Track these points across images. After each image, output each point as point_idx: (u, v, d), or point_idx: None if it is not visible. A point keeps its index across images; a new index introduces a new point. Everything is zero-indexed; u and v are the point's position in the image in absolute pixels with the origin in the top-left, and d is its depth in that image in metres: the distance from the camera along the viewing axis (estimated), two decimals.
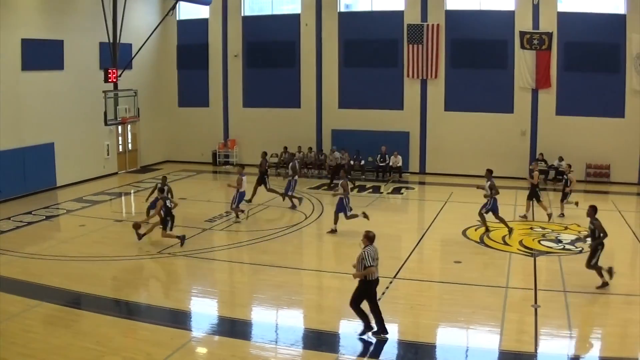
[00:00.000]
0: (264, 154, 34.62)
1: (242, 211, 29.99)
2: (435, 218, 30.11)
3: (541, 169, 37.46)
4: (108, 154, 40.99)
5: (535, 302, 18.93)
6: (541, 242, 25.55)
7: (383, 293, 19.73)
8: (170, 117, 48.33)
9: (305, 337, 17.33)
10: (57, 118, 36.86)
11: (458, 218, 29.12)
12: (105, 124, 34.63)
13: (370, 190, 37.42)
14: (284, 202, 32.70)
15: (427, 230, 28.19)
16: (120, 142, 43.68)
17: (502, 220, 26.96)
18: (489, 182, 27.04)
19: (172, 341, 16.36)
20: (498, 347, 16.03)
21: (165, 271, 22.85)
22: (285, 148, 42.83)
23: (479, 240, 25.98)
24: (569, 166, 31.81)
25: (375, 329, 16.76)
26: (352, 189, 32.24)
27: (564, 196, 30.50)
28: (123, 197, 36.44)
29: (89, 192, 35.73)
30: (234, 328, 17.85)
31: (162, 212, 24.89)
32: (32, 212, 31.24)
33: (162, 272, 23.09)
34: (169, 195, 26.82)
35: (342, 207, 27.70)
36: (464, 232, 27.10)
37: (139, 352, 15.67)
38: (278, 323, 18.48)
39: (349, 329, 17.41)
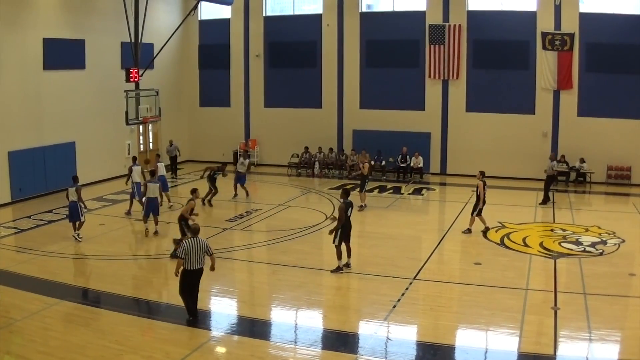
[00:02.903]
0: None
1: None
2: (455, 219, 29.99)
3: (562, 170, 37.33)
4: (129, 153, 41.09)
5: (555, 304, 18.82)
6: (562, 244, 25.41)
7: (403, 294, 19.73)
8: (192, 116, 48.57)
9: (324, 337, 17.29)
10: (79, 117, 37.07)
11: (478, 220, 29.03)
12: (127, 124, 34.70)
13: (391, 191, 37.36)
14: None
15: (448, 231, 28.11)
16: (141, 142, 43.85)
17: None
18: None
19: (191, 340, 16.45)
20: (517, 349, 15.94)
21: None
22: (306, 148, 42.87)
23: (499, 242, 25.86)
24: (481, 174, 27.83)
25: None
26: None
27: (478, 209, 27.74)
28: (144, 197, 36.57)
29: (110, 191, 35.85)
30: (253, 328, 17.87)
31: None
32: (53, 211, 31.41)
33: None
34: None
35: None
36: (484, 234, 27.00)
37: (158, 350, 15.70)
38: (297, 323, 18.44)
39: (369, 329, 17.41)
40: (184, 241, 17.48)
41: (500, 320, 17.71)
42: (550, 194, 33.48)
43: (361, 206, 31.67)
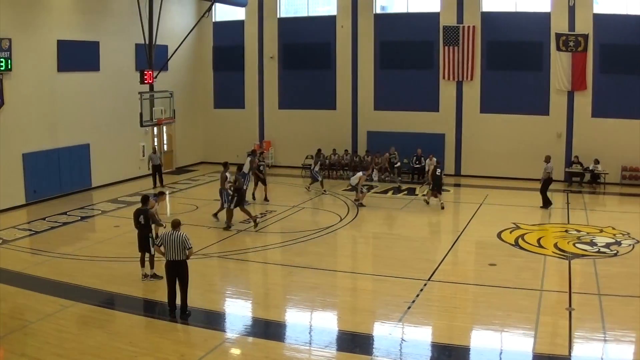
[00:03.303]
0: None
1: None
2: (470, 220, 29.95)
3: (577, 171, 37.27)
4: (143, 155, 41.13)
5: (570, 305, 18.75)
6: (576, 244, 25.32)
7: (417, 295, 19.70)
8: (206, 118, 48.61)
9: (339, 339, 17.27)
10: (93, 119, 37.16)
11: (493, 220, 28.93)
12: (141, 125, 34.72)
13: (406, 192, 37.26)
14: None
15: (462, 232, 28.05)
16: (155, 143, 43.86)
17: None
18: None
19: (205, 342, 16.42)
20: (532, 350, 15.88)
21: (199, 272, 22.76)
22: (319, 150, 42.78)
23: (513, 243, 25.77)
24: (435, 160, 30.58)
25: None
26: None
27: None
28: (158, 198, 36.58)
29: (124, 193, 35.91)
30: (267, 329, 17.85)
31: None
32: (67, 213, 31.50)
33: (195, 273, 22.94)
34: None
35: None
36: (499, 235, 26.90)
37: (173, 352, 15.71)
38: (312, 325, 18.45)
39: (383, 331, 17.37)
40: (165, 233, 18.15)
41: (514, 321, 17.65)
42: (549, 195, 33.08)
43: (358, 202, 31.79)
